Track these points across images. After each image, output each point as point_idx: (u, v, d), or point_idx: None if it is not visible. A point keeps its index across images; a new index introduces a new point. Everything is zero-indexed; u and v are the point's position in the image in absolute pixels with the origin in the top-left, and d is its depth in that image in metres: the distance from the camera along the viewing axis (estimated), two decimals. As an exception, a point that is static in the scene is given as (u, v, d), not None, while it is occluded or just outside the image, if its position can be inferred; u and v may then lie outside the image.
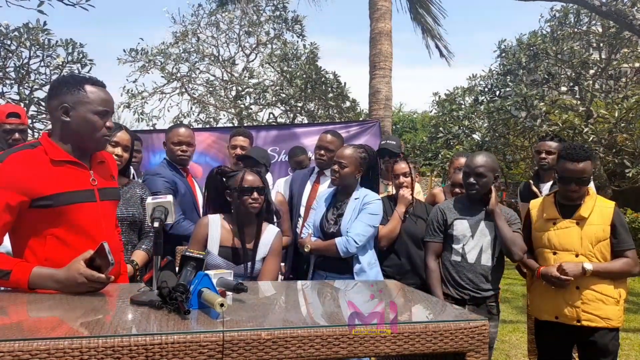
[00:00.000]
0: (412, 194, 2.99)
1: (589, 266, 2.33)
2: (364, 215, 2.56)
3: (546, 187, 3.35)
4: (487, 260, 2.58)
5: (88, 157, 1.76)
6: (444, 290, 2.61)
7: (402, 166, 3.04)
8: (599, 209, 2.41)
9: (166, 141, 3.17)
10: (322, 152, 3.19)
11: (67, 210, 1.63)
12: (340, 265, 2.55)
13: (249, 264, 2.27)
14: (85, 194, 1.69)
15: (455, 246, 2.60)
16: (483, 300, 2.57)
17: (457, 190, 3.03)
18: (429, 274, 2.66)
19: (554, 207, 2.51)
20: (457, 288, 2.58)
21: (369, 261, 2.57)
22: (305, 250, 2.62)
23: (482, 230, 2.58)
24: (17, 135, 3.02)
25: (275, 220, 2.50)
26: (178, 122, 12.43)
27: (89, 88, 1.69)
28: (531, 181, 3.51)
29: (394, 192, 3.06)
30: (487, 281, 2.57)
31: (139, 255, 2.52)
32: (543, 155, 3.41)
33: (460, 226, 2.60)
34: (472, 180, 2.58)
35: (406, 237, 2.87)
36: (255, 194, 2.28)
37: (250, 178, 2.31)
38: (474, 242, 2.58)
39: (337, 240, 2.52)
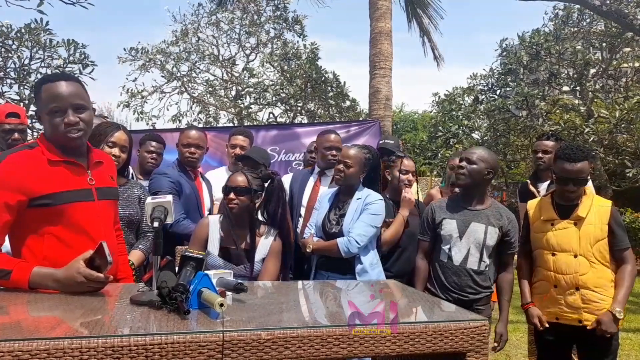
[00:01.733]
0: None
1: (620, 315, 2.31)
2: (365, 216, 2.54)
3: (544, 186, 3.35)
4: (473, 263, 2.46)
5: (85, 157, 1.76)
6: (432, 291, 2.53)
7: (409, 163, 3.02)
8: (596, 209, 2.40)
9: (178, 143, 3.24)
10: (334, 152, 3.15)
11: (65, 209, 1.64)
12: (342, 266, 2.54)
13: (248, 265, 2.26)
14: (82, 193, 1.70)
15: (443, 246, 2.52)
16: (470, 303, 2.42)
17: (457, 190, 3.02)
18: (415, 271, 2.62)
19: (551, 207, 2.50)
20: (443, 289, 2.50)
21: (370, 261, 2.55)
22: (307, 250, 2.62)
23: (471, 232, 2.46)
24: (16, 135, 3.02)
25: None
26: (178, 122, 12.48)
27: (44, 88, 1.64)
28: (529, 181, 3.51)
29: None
30: (473, 284, 2.46)
31: (136, 255, 2.50)
32: (540, 154, 3.40)
33: (449, 226, 2.50)
34: (462, 164, 2.46)
35: (405, 237, 2.85)
36: (231, 195, 2.27)
37: (235, 178, 2.32)
38: (461, 244, 2.47)
39: (339, 240, 2.51)
